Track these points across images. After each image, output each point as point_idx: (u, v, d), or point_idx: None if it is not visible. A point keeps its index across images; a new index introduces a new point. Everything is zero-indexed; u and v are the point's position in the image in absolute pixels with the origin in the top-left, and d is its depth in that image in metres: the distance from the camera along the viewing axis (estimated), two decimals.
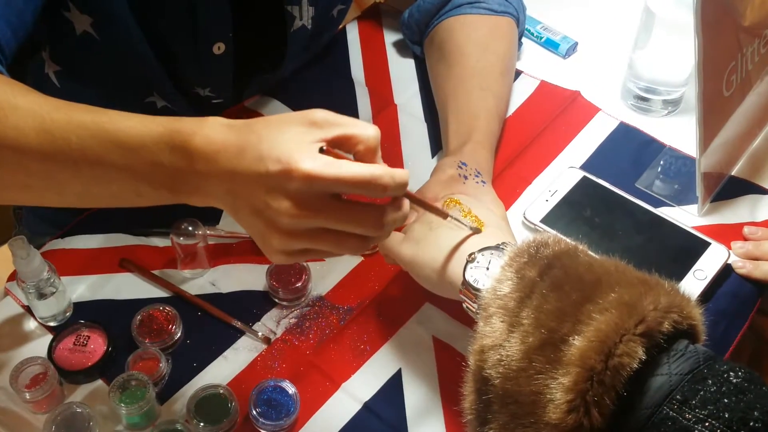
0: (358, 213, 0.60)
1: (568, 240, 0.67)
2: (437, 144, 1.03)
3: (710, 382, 0.55)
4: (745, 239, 0.93)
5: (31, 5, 0.76)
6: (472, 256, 0.71)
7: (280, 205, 0.58)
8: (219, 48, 0.94)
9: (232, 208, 0.62)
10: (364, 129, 0.61)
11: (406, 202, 0.63)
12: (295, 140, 0.59)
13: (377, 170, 0.59)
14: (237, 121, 0.61)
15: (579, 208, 0.94)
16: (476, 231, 0.76)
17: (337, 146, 0.60)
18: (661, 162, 1.02)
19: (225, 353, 0.85)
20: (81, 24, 0.87)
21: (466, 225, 0.76)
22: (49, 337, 0.85)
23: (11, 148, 0.61)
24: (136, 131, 0.61)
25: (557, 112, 1.08)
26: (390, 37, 1.19)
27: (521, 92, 1.10)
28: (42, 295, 0.83)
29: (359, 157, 0.61)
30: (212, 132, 0.60)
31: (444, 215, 0.74)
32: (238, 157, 0.59)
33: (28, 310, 0.87)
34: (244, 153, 0.59)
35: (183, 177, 0.61)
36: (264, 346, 0.85)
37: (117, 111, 0.63)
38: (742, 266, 0.90)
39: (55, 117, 0.62)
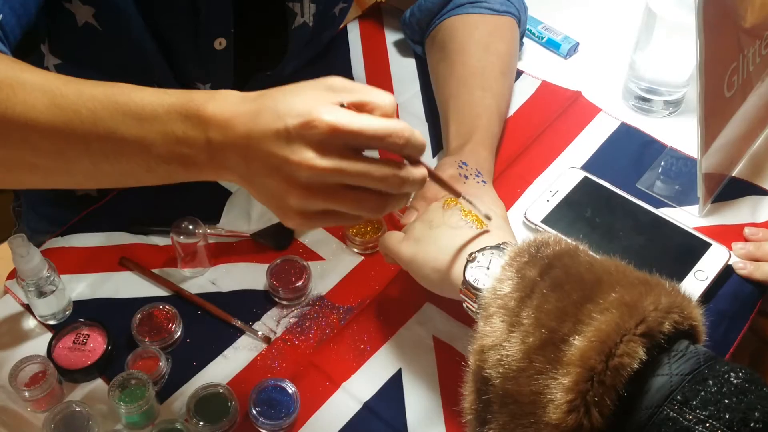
0: (379, 165, 0.60)
1: (568, 240, 0.67)
2: (438, 144, 1.03)
3: (711, 382, 0.55)
4: (746, 240, 0.93)
5: None
6: (473, 255, 0.71)
7: (301, 156, 0.57)
8: (220, 43, 0.94)
9: (246, 175, 0.61)
10: (380, 96, 0.61)
11: (423, 167, 0.63)
12: (314, 99, 0.58)
13: (398, 123, 0.59)
14: (250, 93, 0.61)
15: (580, 209, 0.94)
16: (487, 218, 0.76)
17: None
18: (662, 163, 1.02)
19: (225, 352, 0.85)
20: (83, 15, 0.87)
21: (480, 211, 0.76)
22: (49, 335, 0.85)
23: (20, 124, 0.60)
24: (148, 101, 0.61)
25: (558, 112, 1.08)
26: (391, 37, 1.19)
27: (522, 92, 1.10)
28: (42, 294, 0.83)
29: None
30: (226, 101, 0.60)
31: (457, 193, 0.73)
32: (254, 119, 0.59)
33: (28, 309, 0.87)
34: (259, 115, 0.59)
35: (196, 148, 0.60)
36: (264, 346, 0.85)
37: (128, 84, 0.62)
38: (742, 267, 0.90)
39: (65, 91, 0.61)
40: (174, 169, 0.62)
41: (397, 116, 1.04)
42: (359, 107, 0.60)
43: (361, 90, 0.61)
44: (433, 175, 0.66)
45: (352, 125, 0.57)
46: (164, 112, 0.60)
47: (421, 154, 0.62)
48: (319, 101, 0.58)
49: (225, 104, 0.60)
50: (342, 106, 0.59)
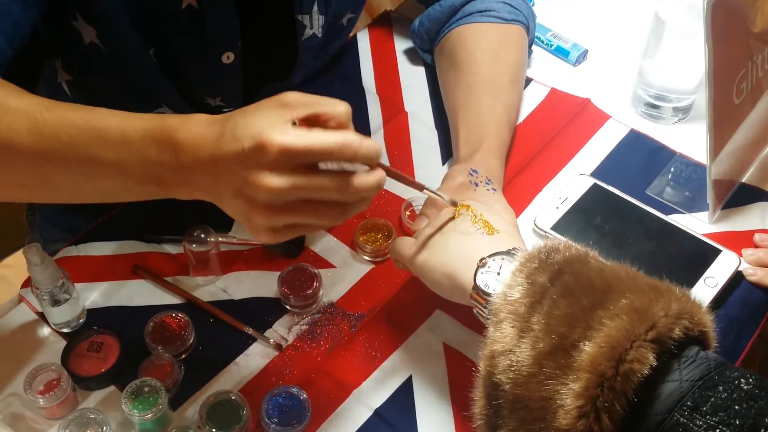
0: (334, 178, 0.62)
1: (578, 246, 0.68)
2: (447, 151, 1.03)
3: (721, 388, 0.55)
4: (756, 246, 0.93)
5: (28, 16, 0.77)
6: (483, 261, 0.71)
7: (257, 179, 0.60)
8: (228, 57, 0.94)
9: (216, 195, 0.64)
10: (333, 105, 0.63)
11: (381, 171, 0.65)
12: (267, 120, 0.61)
13: (347, 135, 0.61)
14: (218, 116, 0.64)
15: (589, 216, 0.94)
16: (453, 204, 0.79)
17: (310, 124, 0.62)
18: (672, 169, 1.02)
19: (237, 360, 0.85)
20: (88, 34, 0.88)
21: (443, 198, 0.78)
22: (63, 343, 0.86)
23: (5, 148, 0.64)
24: (123, 127, 0.64)
25: (567, 119, 1.08)
26: (400, 45, 1.19)
27: (532, 100, 1.11)
28: (56, 302, 0.83)
29: None
30: (195, 126, 0.63)
31: (420, 187, 0.76)
32: (217, 142, 0.61)
33: (42, 317, 0.88)
34: (222, 138, 0.61)
35: (169, 170, 0.64)
36: (275, 353, 0.86)
37: (106, 109, 0.66)
38: (752, 273, 0.90)
39: (46, 116, 0.64)
40: (150, 189, 0.66)
41: (407, 125, 1.07)
42: (314, 119, 0.62)
43: (314, 103, 0.63)
44: (390, 172, 0.68)
45: (301, 144, 0.59)
46: (139, 137, 0.64)
47: (376, 160, 0.63)
48: (273, 122, 0.60)
49: (194, 128, 0.63)
50: (294, 125, 0.61)
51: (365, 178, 0.63)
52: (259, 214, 0.62)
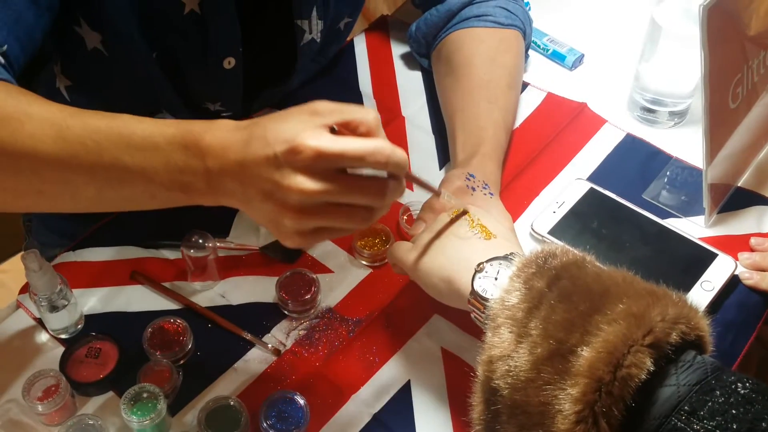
0: (363, 183, 0.63)
1: (575, 251, 0.68)
2: (445, 156, 1.03)
3: (718, 393, 0.55)
4: (752, 250, 0.93)
5: (41, 22, 0.77)
6: (481, 265, 0.71)
7: (290, 181, 0.60)
8: (229, 63, 0.95)
9: (244, 199, 0.64)
10: (364, 113, 0.64)
11: (403, 178, 0.66)
12: (299, 125, 0.61)
13: (378, 142, 0.62)
14: (243, 122, 0.64)
15: (586, 220, 0.95)
16: (464, 211, 0.80)
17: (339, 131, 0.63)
18: (668, 173, 1.02)
19: (235, 365, 0.85)
20: (91, 40, 0.88)
21: (456, 204, 0.79)
22: (61, 349, 0.86)
23: (28, 156, 0.63)
24: (150, 133, 0.64)
25: (564, 123, 1.08)
26: (397, 50, 1.20)
27: (528, 104, 1.11)
28: (54, 308, 0.83)
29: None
30: (221, 131, 0.63)
31: (437, 193, 0.77)
32: (246, 148, 0.61)
33: (40, 323, 0.88)
34: (250, 143, 0.61)
35: (196, 176, 0.63)
36: (274, 358, 0.86)
37: (130, 115, 0.65)
38: (749, 277, 0.90)
39: (70, 123, 0.63)
40: (176, 196, 0.65)
41: (404, 130, 1.07)
42: (344, 126, 0.63)
43: (344, 110, 0.63)
44: (413, 178, 0.70)
45: (335, 148, 0.60)
46: (165, 143, 0.63)
47: (404, 169, 0.64)
48: (304, 127, 0.61)
49: (220, 133, 0.63)
50: (333, 130, 0.62)
51: (391, 183, 0.64)
52: (289, 217, 0.62)
